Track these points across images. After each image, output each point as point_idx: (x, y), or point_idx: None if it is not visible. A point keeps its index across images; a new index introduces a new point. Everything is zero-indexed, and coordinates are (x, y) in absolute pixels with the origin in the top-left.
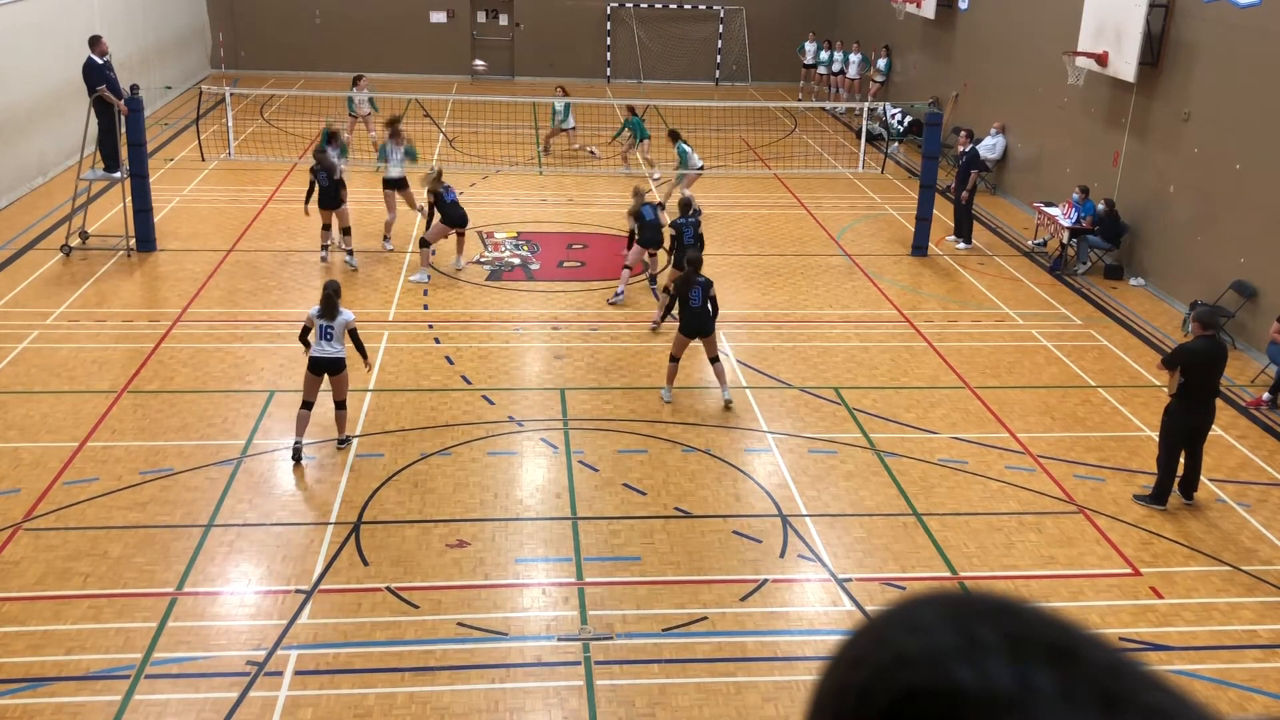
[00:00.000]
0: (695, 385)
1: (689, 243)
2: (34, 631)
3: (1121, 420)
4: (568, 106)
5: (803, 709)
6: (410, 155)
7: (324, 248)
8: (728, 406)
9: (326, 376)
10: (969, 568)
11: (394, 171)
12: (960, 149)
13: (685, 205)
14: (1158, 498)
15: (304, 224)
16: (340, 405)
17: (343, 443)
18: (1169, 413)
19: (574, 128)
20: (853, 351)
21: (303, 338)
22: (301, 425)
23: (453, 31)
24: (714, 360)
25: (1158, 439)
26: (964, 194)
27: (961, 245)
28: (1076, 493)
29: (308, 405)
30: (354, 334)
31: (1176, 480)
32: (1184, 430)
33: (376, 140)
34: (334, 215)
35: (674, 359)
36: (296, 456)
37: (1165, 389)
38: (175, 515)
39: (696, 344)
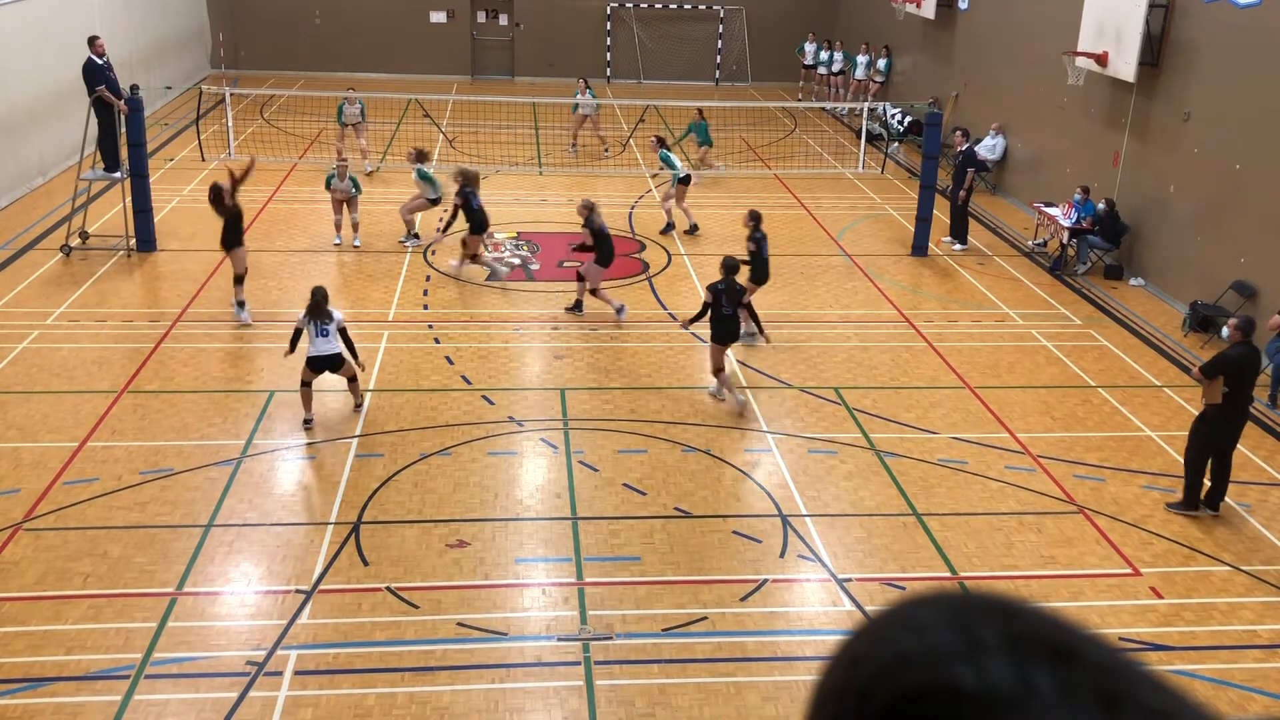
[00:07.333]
0: (696, 385)
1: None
2: (34, 631)
3: (1121, 420)
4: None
5: (803, 709)
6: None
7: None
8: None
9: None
10: (969, 568)
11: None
12: (958, 149)
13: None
14: (1190, 504)
15: (304, 224)
16: (352, 380)
17: (359, 406)
18: (1206, 420)
19: (591, 114)
20: (853, 351)
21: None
22: (306, 401)
23: (453, 31)
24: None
25: (1188, 446)
26: (960, 194)
27: (957, 246)
28: (1076, 493)
29: (306, 384)
30: (343, 333)
31: (1204, 492)
32: (1225, 438)
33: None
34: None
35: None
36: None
37: (1203, 398)
38: (175, 515)
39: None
